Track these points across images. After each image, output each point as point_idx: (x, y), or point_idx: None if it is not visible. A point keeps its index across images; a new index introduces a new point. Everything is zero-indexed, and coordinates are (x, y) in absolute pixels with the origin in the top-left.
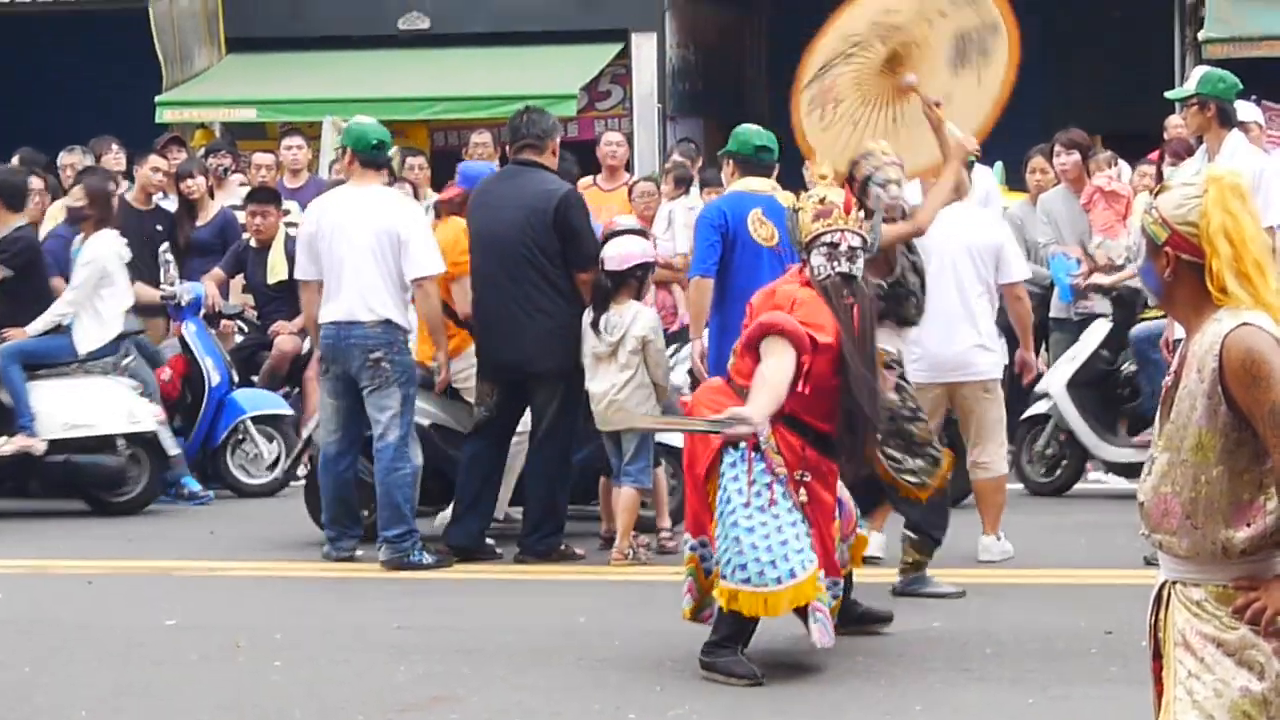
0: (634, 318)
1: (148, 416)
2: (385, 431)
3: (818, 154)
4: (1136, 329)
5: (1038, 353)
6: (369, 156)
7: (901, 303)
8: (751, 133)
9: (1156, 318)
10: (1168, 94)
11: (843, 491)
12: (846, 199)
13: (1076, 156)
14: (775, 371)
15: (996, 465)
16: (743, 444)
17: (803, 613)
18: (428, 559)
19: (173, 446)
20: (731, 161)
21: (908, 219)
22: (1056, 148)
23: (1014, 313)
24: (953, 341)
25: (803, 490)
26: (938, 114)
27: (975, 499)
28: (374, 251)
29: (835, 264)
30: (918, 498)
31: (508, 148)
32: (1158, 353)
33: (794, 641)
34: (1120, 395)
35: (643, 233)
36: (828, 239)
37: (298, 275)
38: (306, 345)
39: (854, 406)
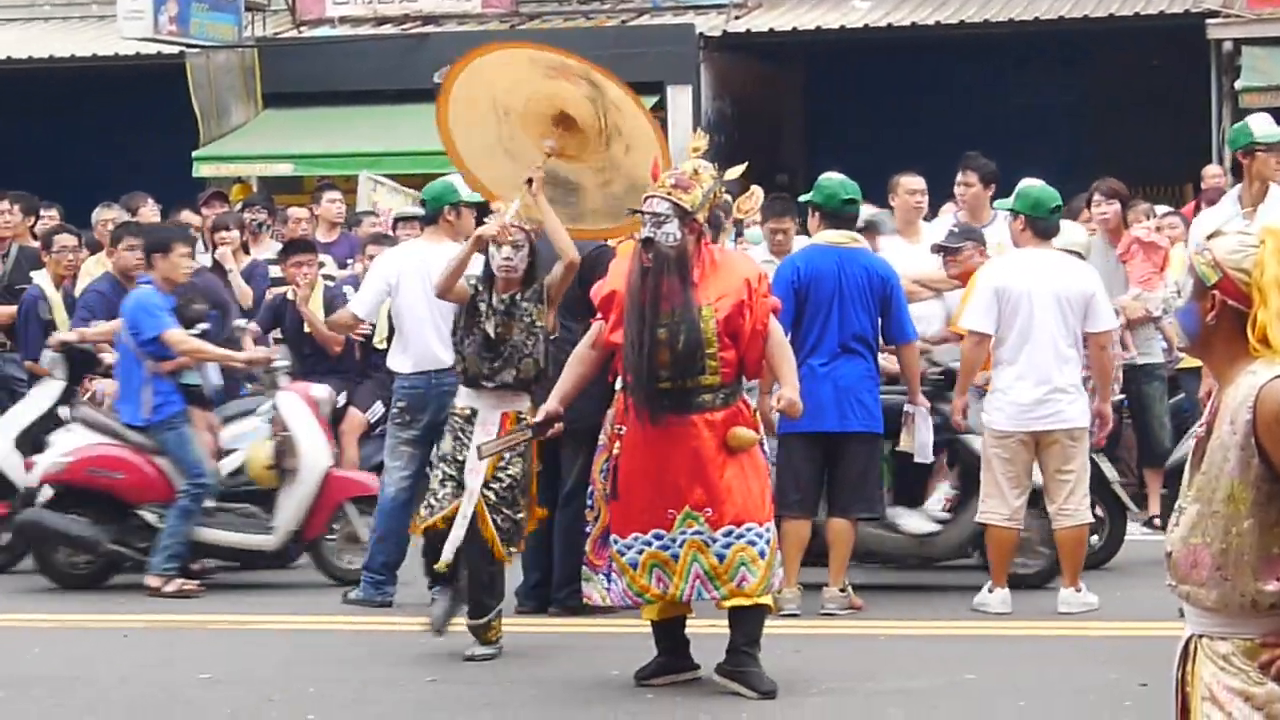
0: None
1: None
2: None
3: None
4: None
5: None
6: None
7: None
8: (837, 184)
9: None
10: (1261, 136)
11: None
12: (654, 167)
13: (1117, 206)
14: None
15: (1081, 514)
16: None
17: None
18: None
19: None
20: (817, 213)
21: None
22: (1096, 197)
23: (1096, 363)
24: (1044, 389)
25: (617, 443)
26: (534, 188)
27: (1058, 549)
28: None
29: (644, 229)
30: None
31: None
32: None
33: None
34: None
35: None
36: (643, 208)
37: (358, 310)
38: (342, 399)
39: (630, 361)
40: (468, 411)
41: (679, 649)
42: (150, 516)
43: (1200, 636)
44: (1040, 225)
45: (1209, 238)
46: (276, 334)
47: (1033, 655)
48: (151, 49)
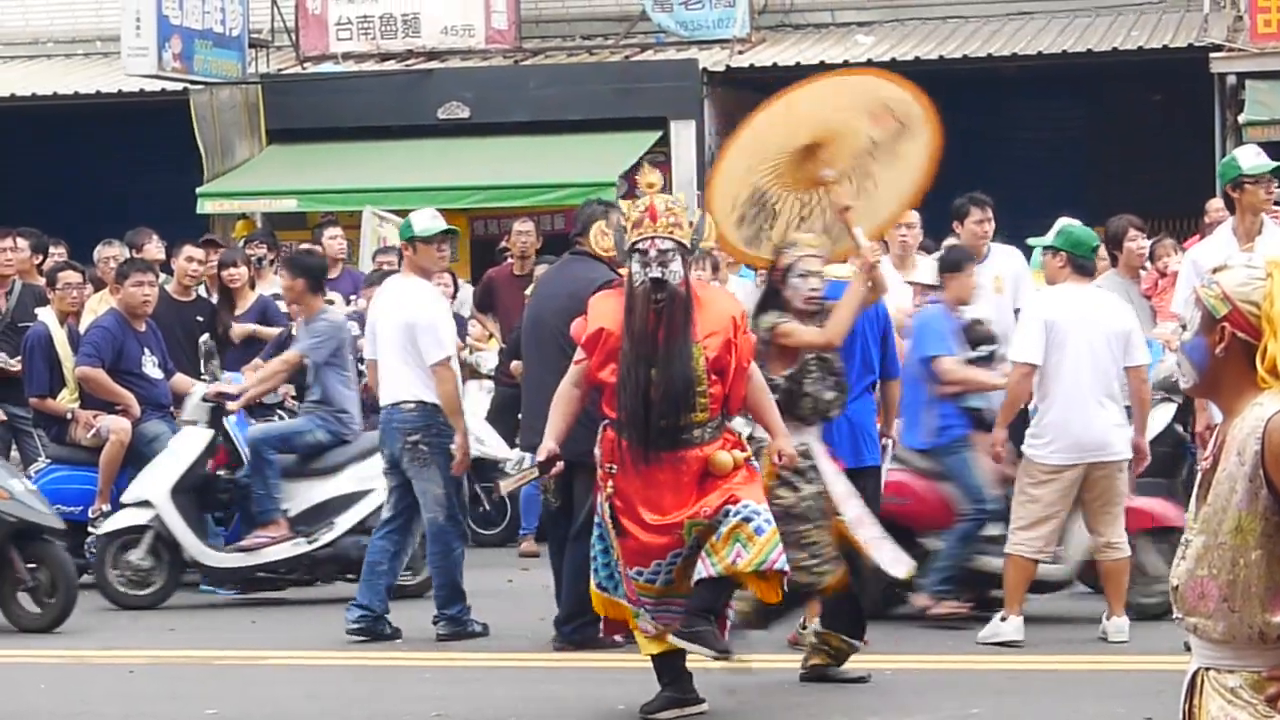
0: None
1: None
2: (433, 514)
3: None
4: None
5: None
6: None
7: (795, 399)
8: None
9: None
10: (1249, 169)
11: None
12: (651, 206)
13: (1144, 240)
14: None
15: (1125, 545)
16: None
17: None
18: (477, 627)
19: None
20: None
21: (823, 317)
22: (1131, 231)
23: (1136, 396)
24: (1095, 422)
25: (610, 483)
26: (848, 218)
27: (1104, 580)
28: (399, 338)
29: (648, 270)
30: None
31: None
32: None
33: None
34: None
35: None
36: (640, 247)
37: (365, 355)
38: None
39: (625, 400)
40: (804, 447)
41: (682, 681)
42: (932, 543)
43: (1207, 669)
44: (1080, 263)
45: (1215, 271)
46: None
47: (1038, 689)
48: (155, 86)
